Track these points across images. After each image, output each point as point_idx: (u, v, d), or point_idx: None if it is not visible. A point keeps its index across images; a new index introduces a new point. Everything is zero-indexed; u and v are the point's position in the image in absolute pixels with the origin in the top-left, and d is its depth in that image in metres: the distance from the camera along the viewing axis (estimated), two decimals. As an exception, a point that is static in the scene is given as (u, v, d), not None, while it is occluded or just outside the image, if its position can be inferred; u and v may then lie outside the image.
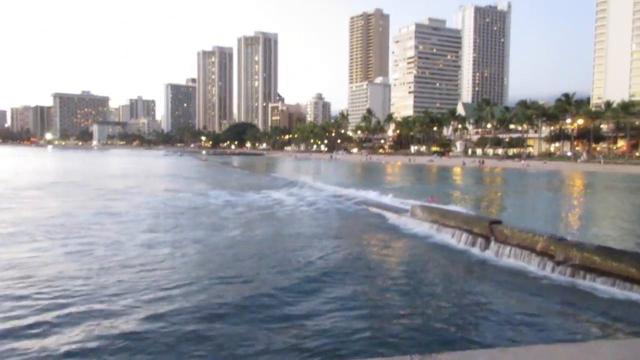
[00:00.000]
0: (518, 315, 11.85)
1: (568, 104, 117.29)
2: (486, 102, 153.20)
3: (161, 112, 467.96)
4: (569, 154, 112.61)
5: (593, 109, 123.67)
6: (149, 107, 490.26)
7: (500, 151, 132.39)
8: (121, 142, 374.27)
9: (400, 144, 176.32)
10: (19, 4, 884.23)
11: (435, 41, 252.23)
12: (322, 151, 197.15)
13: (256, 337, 10.10)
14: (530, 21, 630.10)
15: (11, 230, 22.31)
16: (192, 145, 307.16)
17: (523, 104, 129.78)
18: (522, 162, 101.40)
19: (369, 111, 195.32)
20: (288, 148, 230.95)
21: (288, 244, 20.13)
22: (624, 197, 41.98)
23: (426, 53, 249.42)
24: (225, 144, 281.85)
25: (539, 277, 15.23)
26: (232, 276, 14.88)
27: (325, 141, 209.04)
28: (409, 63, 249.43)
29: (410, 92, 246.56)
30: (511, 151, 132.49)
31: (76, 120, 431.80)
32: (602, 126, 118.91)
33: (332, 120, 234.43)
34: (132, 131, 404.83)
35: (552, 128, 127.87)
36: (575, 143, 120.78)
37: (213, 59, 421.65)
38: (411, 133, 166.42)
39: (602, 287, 13.98)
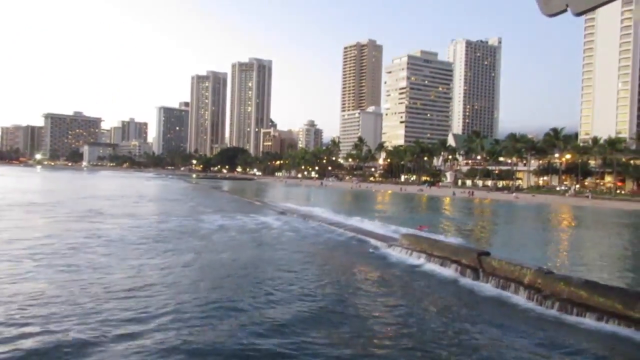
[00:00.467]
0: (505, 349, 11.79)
1: (556, 139, 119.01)
2: (476, 134, 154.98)
3: (153, 135, 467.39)
4: (563, 187, 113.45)
5: (581, 144, 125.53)
6: (141, 129, 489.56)
7: (489, 183, 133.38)
8: (111, 164, 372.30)
9: (391, 173, 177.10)
10: (12, 24, 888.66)
11: (427, 73, 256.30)
12: (312, 178, 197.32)
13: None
14: (520, 57, 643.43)
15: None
16: (182, 169, 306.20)
17: (512, 137, 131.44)
18: (514, 194, 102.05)
19: (361, 139, 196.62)
20: (279, 174, 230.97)
21: (276, 278, 19.98)
22: (612, 232, 42.30)
23: (418, 84, 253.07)
24: (216, 168, 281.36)
25: (527, 309, 15.23)
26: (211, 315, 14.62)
27: (316, 168, 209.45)
28: (400, 93, 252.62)
29: (401, 122, 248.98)
30: (500, 183, 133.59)
31: (67, 141, 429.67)
32: (589, 161, 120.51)
33: (324, 148, 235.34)
34: (123, 153, 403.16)
35: (540, 162, 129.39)
36: (563, 177, 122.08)
37: (207, 84, 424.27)
38: (402, 162, 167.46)
39: (588, 321, 14.00)
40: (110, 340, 11.27)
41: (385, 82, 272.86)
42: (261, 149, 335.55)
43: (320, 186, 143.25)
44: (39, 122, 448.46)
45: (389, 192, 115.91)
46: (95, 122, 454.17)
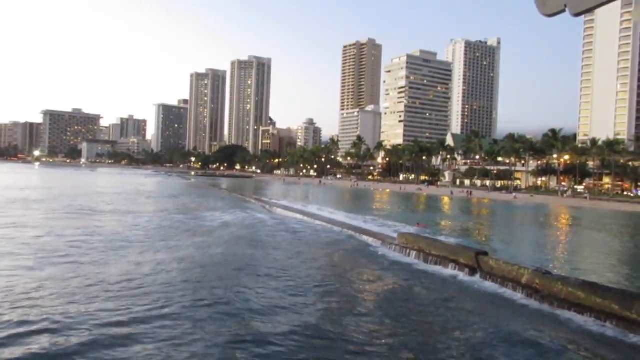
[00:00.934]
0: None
1: (555, 140, 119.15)
2: (475, 134, 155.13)
3: (152, 132, 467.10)
4: (563, 188, 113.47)
5: (579, 145, 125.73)
6: (139, 126, 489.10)
7: (488, 183, 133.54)
8: (110, 161, 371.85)
9: (390, 172, 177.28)
10: (11, 20, 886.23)
11: (426, 72, 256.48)
12: (311, 176, 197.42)
13: None
14: (519, 57, 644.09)
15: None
16: (181, 166, 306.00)
17: (511, 137, 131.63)
18: (513, 194, 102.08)
19: (359, 138, 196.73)
20: (278, 172, 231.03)
21: (275, 275, 19.98)
22: (610, 234, 42.40)
23: (417, 84, 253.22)
24: (215, 166, 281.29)
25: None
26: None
27: (315, 166, 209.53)
28: (399, 93, 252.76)
29: (400, 121, 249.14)
30: (499, 183, 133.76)
31: (66, 138, 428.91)
32: (588, 162, 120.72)
33: (323, 146, 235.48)
34: (121, 150, 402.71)
35: (539, 162, 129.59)
36: (561, 178, 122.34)
37: (206, 81, 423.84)
38: (400, 161, 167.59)
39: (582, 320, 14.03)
40: (104, 334, 11.28)
41: (384, 82, 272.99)
42: (260, 147, 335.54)
43: (319, 185, 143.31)
44: (38, 118, 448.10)
45: (388, 191, 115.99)
46: (94, 119, 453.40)
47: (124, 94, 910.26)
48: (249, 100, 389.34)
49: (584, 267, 23.38)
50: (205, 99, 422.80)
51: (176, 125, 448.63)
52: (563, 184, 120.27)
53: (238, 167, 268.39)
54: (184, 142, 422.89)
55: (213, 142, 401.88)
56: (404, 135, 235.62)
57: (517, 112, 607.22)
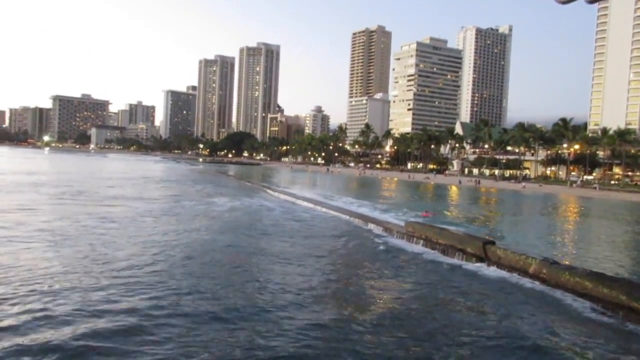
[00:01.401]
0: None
1: (565, 129, 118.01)
2: (484, 122, 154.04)
3: (160, 118, 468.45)
4: (574, 178, 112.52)
5: (590, 134, 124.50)
6: (148, 112, 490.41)
7: (496, 172, 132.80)
8: (119, 147, 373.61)
9: (398, 160, 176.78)
10: (21, 5, 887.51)
11: (436, 60, 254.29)
12: (318, 164, 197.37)
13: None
14: (531, 45, 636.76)
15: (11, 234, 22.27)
16: (189, 153, 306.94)
17: (521, 126, 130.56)
18: (522, 184, 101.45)
19: (368, 126, 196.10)
20: (285, 159, 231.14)
21: (283, 264, 20.10)
22: (619, 224, 42.14)
23: (426, 71, 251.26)
24: (222, 153, 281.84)
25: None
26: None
27: (323, 154, 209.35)
28: (409, 80, 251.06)
29: (409, 109, 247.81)
30: (507, 173, 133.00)
31: (75, 123, 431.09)
32: (598, 152, 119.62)
33: (331, 134, 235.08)
34: (130, 136, 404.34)
35: (548, 152, 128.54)
36: (571, 168, 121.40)
37: (214, 68, 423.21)
38: (409, 150, 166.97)
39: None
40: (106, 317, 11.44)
41: (393, 69, 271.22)
42: (268, 134, 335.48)
43: (327, 172, 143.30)
44: (47, 104, 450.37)
45: (395, 179, 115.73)
46: (103, 105, 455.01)
47: (133, 80, 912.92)
48: (257, 87, 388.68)
49: (591, 257, 23.28)
50: (214, 85, 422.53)
51: (184, 112, 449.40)
52: (573, 173, 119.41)
53: (246, 154, 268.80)
54: (192, 129, 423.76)
55: (221, 128, 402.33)
56: (413, 124, 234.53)
57: (527, 100, 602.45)
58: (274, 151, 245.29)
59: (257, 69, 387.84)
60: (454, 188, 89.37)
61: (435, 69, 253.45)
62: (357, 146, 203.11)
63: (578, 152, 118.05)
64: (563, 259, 20.40)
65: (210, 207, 36.92)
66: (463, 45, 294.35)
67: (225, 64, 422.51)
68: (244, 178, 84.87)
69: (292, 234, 25.87)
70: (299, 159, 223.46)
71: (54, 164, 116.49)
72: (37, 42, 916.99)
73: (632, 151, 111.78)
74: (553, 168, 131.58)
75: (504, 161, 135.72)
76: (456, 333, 11.92)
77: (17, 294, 12.77)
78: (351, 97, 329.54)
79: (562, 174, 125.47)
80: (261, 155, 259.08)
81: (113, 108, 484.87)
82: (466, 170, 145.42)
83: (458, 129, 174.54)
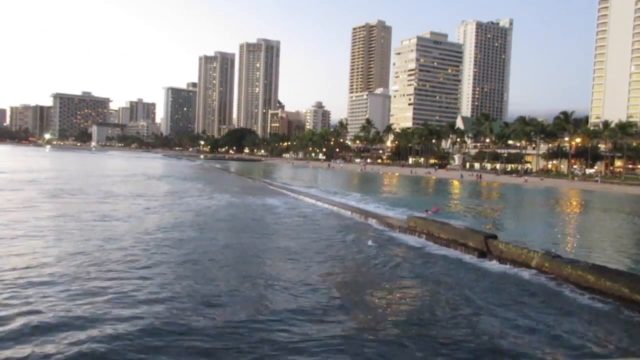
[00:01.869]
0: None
1: (566, 122, 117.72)
2: (485, 116, 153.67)
3: (161, 115, 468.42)
4: (578, 171, 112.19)
5: (591, 128, 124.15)
6: (149, 110, 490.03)
7: (498, 166, 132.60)
8: (120, 144, 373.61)
9: (399, 155, 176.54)
10: (22, 4, 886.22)
11: (437, 54, 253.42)
12: (320, 159, 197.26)
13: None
14: (532, 39, 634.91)
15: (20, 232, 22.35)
16: (190, 149, 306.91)
17: (522, 120, 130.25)
18: (524, 178, 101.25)
19: (368, 121, 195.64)
20: (286, 155, 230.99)
21: (291, 258, 20.17)
22: (620, 216, 42.10)
23: (427, 66, 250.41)
24: (223, 149, 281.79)
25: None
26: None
27: (324, 150, 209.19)
28: (409, 75, 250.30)
29: (410, 104, 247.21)
30: (509, 166, 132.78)
31: (76, 121, 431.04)
32: (600, 145, 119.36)
33: (331, 129, 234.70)
34: (131, 133, 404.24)
35: (550, 145, 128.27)
36: (572, 161, 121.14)
37: (215, 64, 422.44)
38: (410, 144, 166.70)
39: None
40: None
41: (394, 64, 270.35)
42: (269, 130, 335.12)
43: (328, 168, 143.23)
44: (48, 102, 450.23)
45: (397, 174, 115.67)
46: (103, 103, 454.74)
47: (133, 78, 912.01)
48: (257, 84, 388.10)
49: (593, 250, 23.29)
50: (214, 82, 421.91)
51: (185, 109, 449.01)
52: (575, 166, 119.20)
53: (247, 150, 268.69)
54: (193, 126, 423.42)
55: (222, 125, 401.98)
56: (414, 118, 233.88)
57: (528, 94, 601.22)
58: (275, 147, 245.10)
59: (257, 65, 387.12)
60: (455, 183, 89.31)
61: (435, 64, 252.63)
62: (358, 141, 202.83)
63: (579, 145, 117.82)
64: (566, 252, 20.42)
65: (212, 201, 36.99)
66: (463, 39, 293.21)
67: (225, 60, 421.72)
68: (246, 174, 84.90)
69: (297, 231, 25.93)
70: (300, 154, 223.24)
71: (56, 162, 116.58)
72: (37, 41, 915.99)
73: (634, 144, 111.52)
74: (555, 162, 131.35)
75: (505, 155, 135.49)
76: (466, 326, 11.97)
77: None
78: (352, 92, 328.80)
79: (563, 167, 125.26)
80: (262, 151, 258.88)
81: (114, 105, 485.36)
82: (467, 164, 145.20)
83: (459, 124, 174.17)
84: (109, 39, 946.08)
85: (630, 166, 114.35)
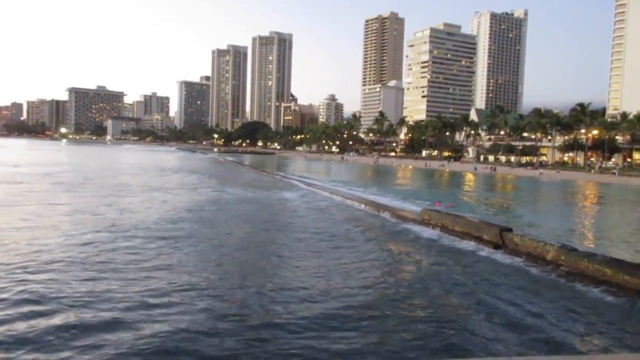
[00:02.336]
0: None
1: (583, 114, 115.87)
2: (500, 108, 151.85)
3: (175, 109, 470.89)
4: (598, 164, 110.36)
5: (608, 119, 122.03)
6: (162, 103, 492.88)
7: (512, 158, 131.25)
8: (134, 138, 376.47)
9: (412, 148, 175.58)
10: (39, 1, 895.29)
11: (450, 46, 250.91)
12: (333, 152, 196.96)
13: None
14: (547, 29, 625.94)
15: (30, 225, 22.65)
16: (204, 143, 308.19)
17: (537, 112, 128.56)
18: (539, 170, 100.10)
19: (381, 114, 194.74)
20: (299, 148, 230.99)
21: (308, 248, 20.23)
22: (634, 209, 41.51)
23: (440, 58, 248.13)
24: (237, 142, 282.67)
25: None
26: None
27: (337, 142, 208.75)
28: (422, 67, 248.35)
29: (423, 96, 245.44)
30: (524, 159, 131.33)
31: (91, 115, 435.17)
32: (617, 137, 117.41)
33: (345, 122, 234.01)
34: (145, 127, 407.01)
35: (566, 137, 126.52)
36: (589, 154, 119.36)
37: (227, 58, 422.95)
38: (423, 137, 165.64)
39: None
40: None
41: (407, 56, 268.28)
42: (282, 124, 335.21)
43: (341, 161, 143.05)
44: (64, 96, 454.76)
45: (410, 167, 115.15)
46: (118, 96, 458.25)
47: (147, 71, 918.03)
48: (270, 77, 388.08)
49: (612, 242, 23.00)
50: (227, 75, 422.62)
51: (198, 102, 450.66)
52: (591, 159, 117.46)
53: (260, 143, 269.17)
54: (207, 119, 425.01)
55: (235, 118, 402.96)
56: (427, 111, 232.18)
57: (543, 86, 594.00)
58: (288, 140, 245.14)
59: (270, 58, 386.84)
60: (469, 175, 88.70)
61: (449, 55, 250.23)
62: (371, 134, 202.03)
63: (596, 137, 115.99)
64: (584, 245, 20.19)
65: (222, 195, 37.19)
66: (477, 30, 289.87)
67: (238, 53, 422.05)
68: (259, 167, 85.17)
69: (307, 222, 25.98)
70: (313, 147, 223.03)
71: (73, 155, 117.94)
72: (52, 36, 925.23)
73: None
74: (571, 154, 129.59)
75: (520, 148, 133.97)
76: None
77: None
78: (365, 85, 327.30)
79: (579, 160, 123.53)
80: (275, 144, 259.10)
81: (128, 99, 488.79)
82: (482, 157, 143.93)
83: (473, 116, 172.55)
84: (123, 34, 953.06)
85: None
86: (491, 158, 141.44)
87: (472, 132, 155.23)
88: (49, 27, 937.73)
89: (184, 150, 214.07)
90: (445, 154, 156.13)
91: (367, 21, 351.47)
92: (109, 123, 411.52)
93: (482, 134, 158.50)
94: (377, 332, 11.00)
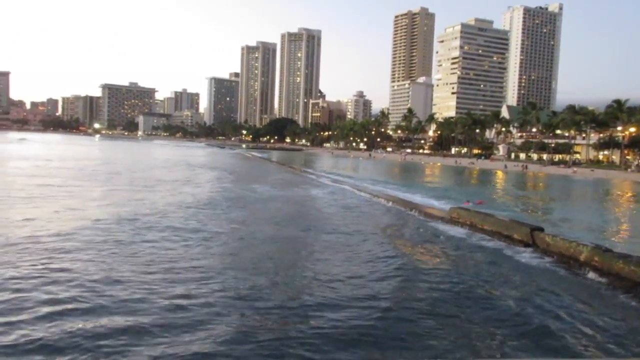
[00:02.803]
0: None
1: (620, 111, 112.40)
2: (532, 105, 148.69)
3: (204, 105, 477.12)
4: (635, 162, 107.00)
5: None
6: (192, 100, 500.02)
7: (545, 156, 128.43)
8: (165, 134, 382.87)
9: (441, 145, 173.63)
10: (73, 1, 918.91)
11: (481, 42, 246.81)
12: (360, 149, 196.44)
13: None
14: (583, 24, 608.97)
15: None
16: (232, 139, 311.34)
17: (571, 109, 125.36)
18: (573, 169, 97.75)
19: (410, 111, 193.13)
20: (327, 145, 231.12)
21: (335, 246, 20.29)
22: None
23: (471, 54, 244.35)
24: (265, 139, 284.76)
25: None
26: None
27: (365, 139, 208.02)
28: (453, 63, 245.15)
29: (453, 93, 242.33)
30: (557, 157, 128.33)
31: (123, 111, 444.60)
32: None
33: (373, 119, 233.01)
34: (176, 123, 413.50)
35: (601, 135, 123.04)
36: (625, 152, 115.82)
37: (256, 54, 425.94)
38: (452, 134, 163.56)
39: None
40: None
41: (437, 52, 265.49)
42: (310, 120, 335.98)
43: (369, 158, 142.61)
44: (97, 92, 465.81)
45: (439, 164, 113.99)
46: (149, 93, 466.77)
47: (178, 68, 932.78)
48: (298, 73, 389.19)
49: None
50: (256, 72, 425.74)
51: (228, 99, 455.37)
52: (628, 157, 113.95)
53: (288, 140, 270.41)
54: (235, 115, 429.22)
55: (263, 115, 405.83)
56: (457, 108, 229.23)
57: (578, 82, 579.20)
58: (316, 137, 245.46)
59: (299, 54, 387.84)
60: (499, 173, 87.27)
61: (480, 51, 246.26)
62: (399, 131, 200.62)
63: (634, 135, 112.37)
64: (617, 246, 19.66)
65: (248, 193, 37.58)
66: (510, 25, 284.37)
67: (267, 50, 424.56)
68: (287, 164, 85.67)
69: (334, 219, 26.04)
70: (341, 144, 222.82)
71: (108, 151, 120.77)
72: (87, 34, 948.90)
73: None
74: (606, 152, 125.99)
75: (552, 145, 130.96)
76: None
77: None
78: (393, 81, 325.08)
79: (615, 158, 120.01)
80: (303, 141, 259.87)
81: (159, 96, 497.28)
82: (513, 155, 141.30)
83: (504, 113, 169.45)
84: (154, 32, 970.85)
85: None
86: (522, 156, 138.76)
87: (503, 129, 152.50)
88: (83, 25, 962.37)
89: (213, 146, 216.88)
90: (475, 151, 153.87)
91: (396, 17, 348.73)
92: (140, 119, 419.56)
93: (514, 131, 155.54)
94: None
